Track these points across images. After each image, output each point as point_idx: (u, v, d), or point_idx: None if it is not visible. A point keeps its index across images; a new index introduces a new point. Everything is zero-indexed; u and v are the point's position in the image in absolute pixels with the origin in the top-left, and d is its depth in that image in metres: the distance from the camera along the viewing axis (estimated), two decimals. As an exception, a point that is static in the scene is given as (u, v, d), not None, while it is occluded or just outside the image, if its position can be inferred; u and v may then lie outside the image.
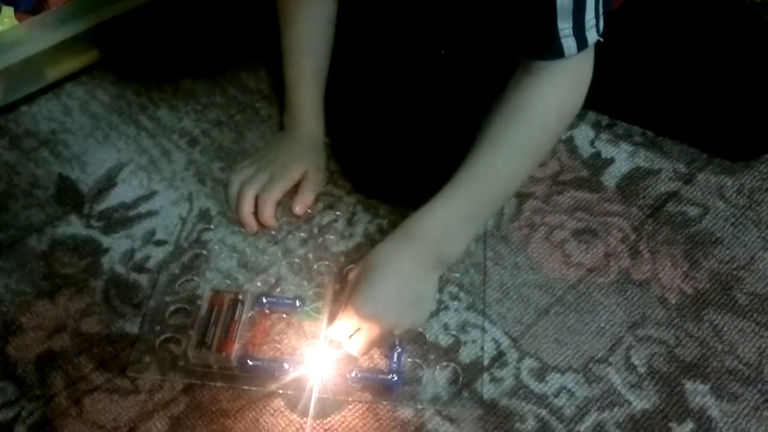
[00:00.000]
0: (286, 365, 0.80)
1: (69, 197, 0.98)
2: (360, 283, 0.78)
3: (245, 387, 0.81)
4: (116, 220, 0.96)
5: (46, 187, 1.00)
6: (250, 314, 0.85)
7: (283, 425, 0.79)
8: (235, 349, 0.81)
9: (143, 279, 0.90)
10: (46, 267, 0.91)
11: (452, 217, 0.80)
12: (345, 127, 0.99)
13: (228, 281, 0.89)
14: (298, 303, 0.86)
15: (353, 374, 0.80)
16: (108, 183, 1.00)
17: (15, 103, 1.07)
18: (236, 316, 0.83)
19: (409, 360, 0.83)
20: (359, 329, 0.77)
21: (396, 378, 0.80)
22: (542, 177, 0.99)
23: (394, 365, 0.81)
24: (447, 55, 0.93)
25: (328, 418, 0.79)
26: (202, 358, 0.81)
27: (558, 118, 0.83)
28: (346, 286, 0.81)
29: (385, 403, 0.80)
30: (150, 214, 0.96)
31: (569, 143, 1.03)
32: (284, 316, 0.86)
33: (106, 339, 0.85)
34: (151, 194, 0.99)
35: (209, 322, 0.82)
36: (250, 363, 0.81)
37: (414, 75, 0.93)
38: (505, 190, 0.86)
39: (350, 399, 0.80)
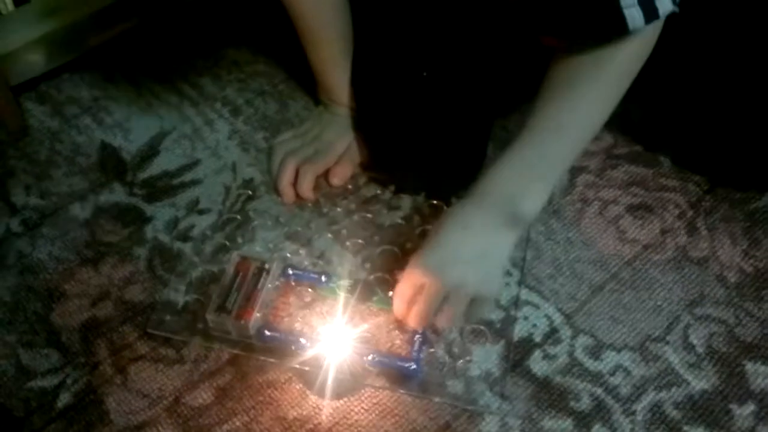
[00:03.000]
0: (303, 340, 0.78)
1: (112, 165, 0.97)
2: (425, 242, 0.75)
3: (262, 358, 0.79)
4: (160, 189, 0.94)
5: (89, 154, 0.98)
6: (275, 284, 0.83)
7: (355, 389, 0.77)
8: (254, 317, 0.78)
9: (187, 248, 0.89)
10: (89, 235, 0.90)
11: (521, 173, 0.74)
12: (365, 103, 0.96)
13: (272, 251, 0.88)
14: (323, 278, 0.83)
15: (370, 358, 0.77)
16: (151, 151, 0.98)
17: (57, 69, 1.06)
18: (260, 284, 0.81)
19: (457, 337, 0.81)
20: (421, 290, 0.73)
21: (415, 366, 0.76)
22: (596, 150, 0.96)
23: (415, 353, 0.77)
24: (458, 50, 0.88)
25: (348, 398, 0.77)
26: (220, 323, 0.79)
27: (629, 75, 0.74)
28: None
29: (401, 392, 0.77)
30: (194, 182, 0.95)
31: (624, 116, 1.00)
32: (309, 290, 0.84)
33: (150, 308, 0.84)
34: (195, 163, 0.97)
35: (232, 287, 0.80)
36: (268, 334, 0.79)
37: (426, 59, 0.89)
38: (575, 145, 0.77)
39: (366, 383, 0.77)
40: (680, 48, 0.90)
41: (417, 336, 0.78)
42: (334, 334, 0.79)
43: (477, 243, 0.73)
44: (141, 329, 0.82)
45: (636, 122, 0.99)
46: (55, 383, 0.79)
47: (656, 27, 0.72)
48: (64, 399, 0.78)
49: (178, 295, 0.84)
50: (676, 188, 0.93)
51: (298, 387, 0.78)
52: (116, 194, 0.94)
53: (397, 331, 0.80)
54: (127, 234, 0.90)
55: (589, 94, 0.74)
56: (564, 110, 0.74)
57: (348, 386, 0.77)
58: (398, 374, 0.77)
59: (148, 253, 0.88)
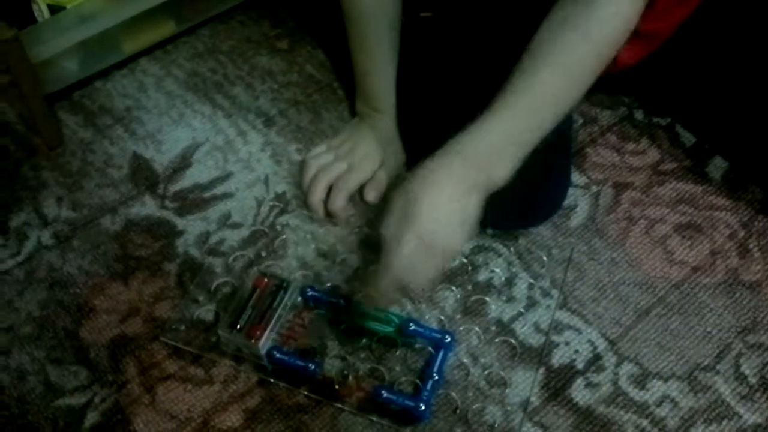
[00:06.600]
0: (311, 366, 0.76)
1: (143, 177, 0.95)
2: (410, 201, 0.70)
3: (272, 380, 0.77)
4: (191, 202, 0.93)
5: (120, 165, 0.97)
6: (292, 304, 0.80)
7: (364, 425, 0.74)
8: (266, 337, 0.76)
9: (218, 263, 0.87)
10: (120, 248, 0.89)
11: (499, 139, 0.71)
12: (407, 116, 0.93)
13: (300, 268, 0.85)
14: (342, 302, 0.80)
15: (379, 392, 0.74)
16: (183, 163, 0.97)
17: (90, 78, 1.05)
18: (275, 303, 0.78)
19: (497, 363, 0.77)
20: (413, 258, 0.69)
21: (423, 407, 0.72)
22: (641, 166, 0.92)
23: (426, 393, 0.74)
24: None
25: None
26: (231, 340, 0.77)
27: (610, 46, 0.72)
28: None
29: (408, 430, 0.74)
30: (225, 196, 0.93)
31: (670, 130, 0.96)
32: (327, 313, 0.81)
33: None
34: (227, 176, 0.95)
35: (247, 304, 0.78)
36: (278, 356, 0.76)
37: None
38: (551, 113, 0.74)
39: (373, 419, 0.74)
40: (731, 62, 0.86)
41: (434, 375, 0.75)
42: (346, 363, 0.77)
43: (458, 207, 0.70)
44: (170, 347, 0.80)
45: (684, 140, 0.95)
46: (83, 402, 0.77)
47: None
48: (91, 418, 0.76)
49: (197, 306, 0.83)
50: (726, 207, 0.89)
51: (329, 411, 0.75)
52: (147, 207, 0.92)
53: (411, 368, 0.77)
54: (157, 248, 0.89)
55: (571, 55, 0.72)
56: (546, 79, 0.71)
57: (356, 420, 0.75)
58: (406, 413, 0.74)
59: (178, 268, 0.87)
